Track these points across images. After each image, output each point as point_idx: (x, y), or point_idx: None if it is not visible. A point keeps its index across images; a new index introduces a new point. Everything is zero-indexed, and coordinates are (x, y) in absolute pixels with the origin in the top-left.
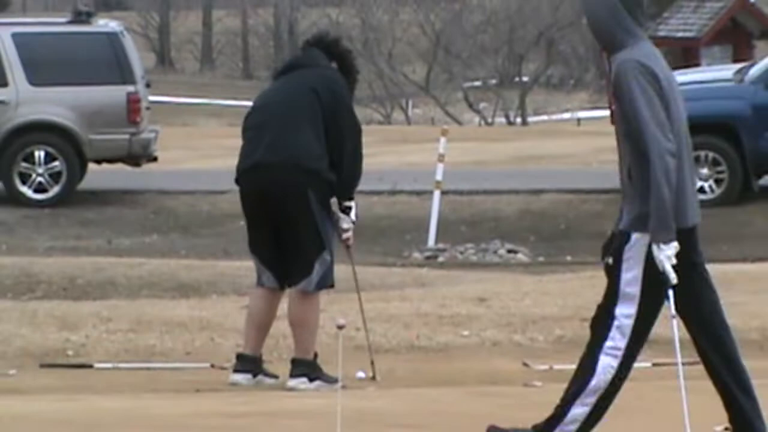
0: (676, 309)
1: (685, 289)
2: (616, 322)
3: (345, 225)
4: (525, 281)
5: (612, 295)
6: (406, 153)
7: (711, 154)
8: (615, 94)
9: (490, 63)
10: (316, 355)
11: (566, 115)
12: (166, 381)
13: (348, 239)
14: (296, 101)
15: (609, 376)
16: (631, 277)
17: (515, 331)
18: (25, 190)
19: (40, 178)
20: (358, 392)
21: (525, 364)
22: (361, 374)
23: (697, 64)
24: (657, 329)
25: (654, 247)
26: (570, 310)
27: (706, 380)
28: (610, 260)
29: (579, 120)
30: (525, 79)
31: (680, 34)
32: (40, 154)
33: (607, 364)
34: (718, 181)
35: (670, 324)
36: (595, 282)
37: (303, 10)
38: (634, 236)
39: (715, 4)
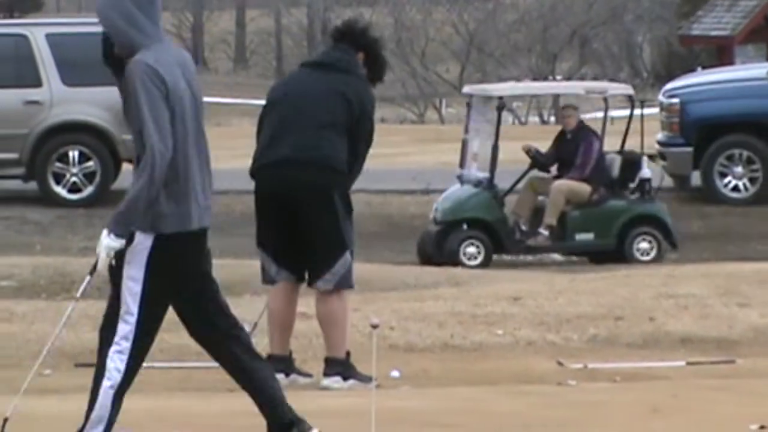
0: (182, 315)
1: (192, 297)
2: (121, 324)
3: None
4: (559, 280)
5: (117, 297)
6: (439, 152)
7: (745, 153)
8: (126, 92)
9: (523, 62)
10: (348, 354)
11: (600, 114)
12: (199, 380)
13: None
14: (329, 104)
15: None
16: (134, 276)
17: (549, 330)
18: (59, 190)
19: (74, 178)
20: (392, 391)
21: (559, 363)
22: (395, 373)
23: (731, 63)
24: (690, 328)
25: (104, 232)
26: (604, 309)
27: (739, 378)
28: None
29: (612, 119)
30: (558, 77)
31: (714, 33)
32: (74, 154)
33: (113, 367)
34: (752, 180)
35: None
36: (630, 281)
37: (336, 10)
38: (138, 236)
39: (749, 2)
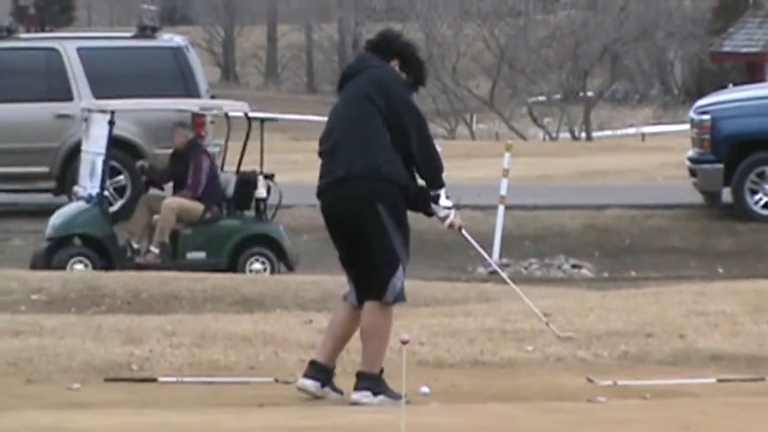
0: None
1: None
2: None
3: (441, 214)
4: (589, 297)
5: None
6: (470, 168)
7: None
8: None
9: (554, 78)
10: (381, 370)
11: (631, 131)
12: (229, 395)
13: (453, 225)
14: (353, 113)
15: None
16: None
17: (579, 346)
18: None
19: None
20: (422, 408)
21: (589, 380)
22: (425, 389)
23: (762, 80)
24: (720, 346)
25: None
26: (634, 325)
27: None
28: None
29: (644, 135)
30: (589, 94)
31: (745, 50)
32: None
33: None
34: None
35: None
36: (660, 298)
37: (367, 25)
38: None
39: None
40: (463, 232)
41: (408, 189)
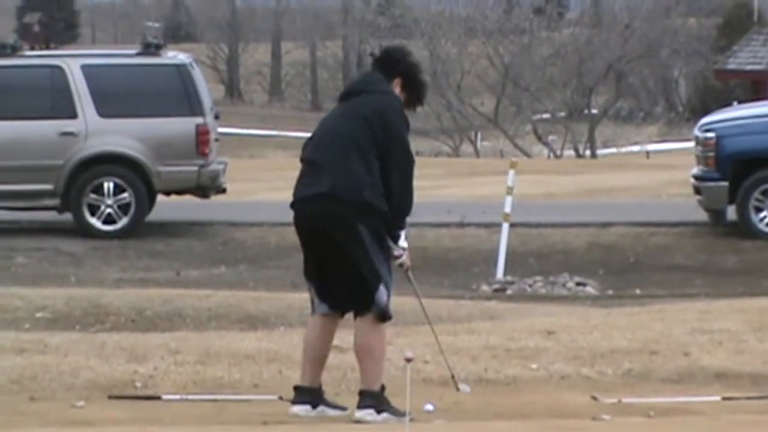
0: None
1: None
2: None
3: (396, 252)
4: (593, 314)
5: None
6: (474, 185)
7: None
8: None
9: (558, 96)
10: (383, 388)
11: (635, 148)
12: (233, 413)
13: (402, 265)
14: (347, 132)
15: None
16: None
17: (584, 364)
18: (94, 221)
19: (109, 210)
20: (426, 425)
21: (594, 398)
22: (429, 407)
23: (767, 97)
24: (725, 364)
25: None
26: (639, 343)
27: None
28: None
29: (648, 153)
30: (594, 111)
31: (749, 67)
32: (109, 185)
33: None
34: None
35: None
36: (665, 315)
37: (371, 43)
38: None
39: None
40: (409, 273)
41: (386, 217)
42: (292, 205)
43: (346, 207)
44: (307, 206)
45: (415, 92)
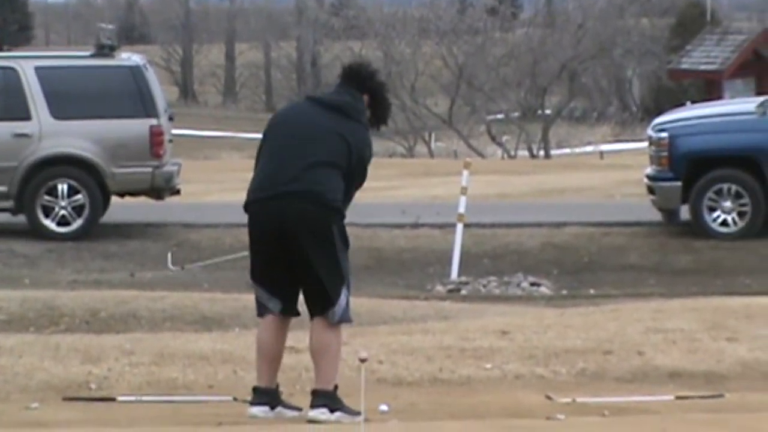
0: None
1: None
2: None
3: None
4: (547, 314)
5: None
6: (428, 186)
7: (734, 187)
8: None
9: (512, 96)
10: (336, 387)
11: (589, 148)
12: (188, 414)
13: None
14: (331, 145)
15: None
16: None
17: (538, 364)
18: (48, 223)
19: (63, 211)
20: (380, 425)
21: (548, 397)
22: (383, 407)
23: (720, 97)
24: (678, 363)
25: None
26: (593, 343)
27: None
28: None
29: (602, 153)
30: (548, 112)
31: (703, 67)
32: (63, 187)
33: None
34: (741, 214)
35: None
36: (618, 315)
37: (325, 43)
38: None
39: (738, 36)
40: None
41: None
42: (254, 203)
43: (324, 209)
44: (277, 205)
45: (380, 112)
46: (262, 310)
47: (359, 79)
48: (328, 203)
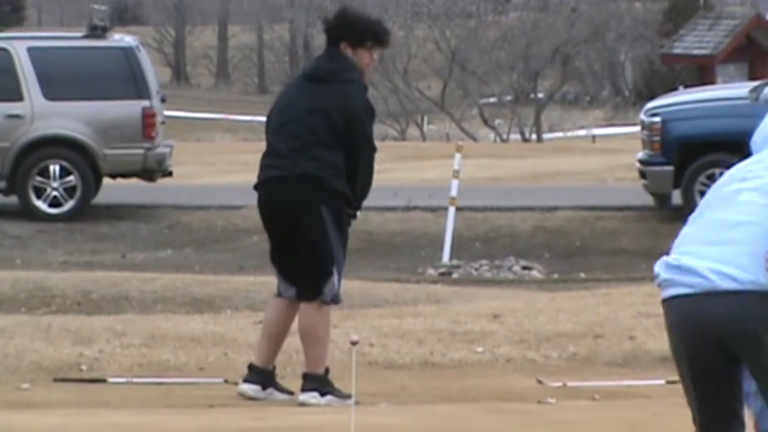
0: None
1: None
2: None
3: None
4: (539, 298)
5: None
6: (421, 169)
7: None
8: None
9: (505, 79)
10: (327, 371)
11: (581, 132)
12: (179, 396)
13: None
14: (311, 125)
15: None
16: None
17: (529, 347)
18: (39, 204)
19: (54, 193)
20: (371, 408)
21: (539, 381)
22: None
23: (713, 82)
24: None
25: None
26: (584, 327)
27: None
28: None
29: (594, 137)
30: (540, 95)
31: (696, 52)
32: (54, 168)
33: None
34: None
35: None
36: (610, 299)
37: (318, 26)
38: None
39: (730, 21)
40: None
41: (348, 200)
42: (257, 187)
43: (310, 189)
44: (269, 188)
45: (364, 37)
46: (277, 289)
47: (329, 32)
48: (316, 183)
